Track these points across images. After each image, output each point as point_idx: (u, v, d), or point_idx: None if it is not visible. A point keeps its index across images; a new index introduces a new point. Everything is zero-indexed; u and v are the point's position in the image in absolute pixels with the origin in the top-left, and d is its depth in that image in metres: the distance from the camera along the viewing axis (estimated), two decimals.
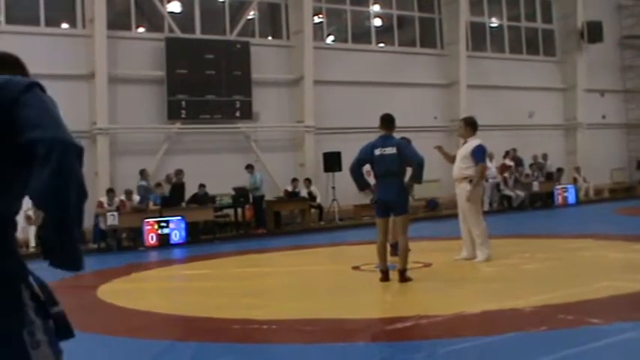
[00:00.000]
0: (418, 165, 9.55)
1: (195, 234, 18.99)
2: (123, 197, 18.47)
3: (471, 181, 10.93)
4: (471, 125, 11.32)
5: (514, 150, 26.22)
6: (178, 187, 19.13)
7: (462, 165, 11.08)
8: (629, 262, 10.31)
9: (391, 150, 9.59)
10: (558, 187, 25.84)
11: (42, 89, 2.20)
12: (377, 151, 9.71)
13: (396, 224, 9.66)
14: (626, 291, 7.80)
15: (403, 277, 9.35)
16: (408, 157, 9.58)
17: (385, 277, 9.53)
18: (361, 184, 10.08)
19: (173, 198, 18.85)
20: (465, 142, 11.24)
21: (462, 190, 11.11)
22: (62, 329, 2.18)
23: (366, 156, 9.89)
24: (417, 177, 9.63)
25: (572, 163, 29.24)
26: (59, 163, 2.00)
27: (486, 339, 6.06)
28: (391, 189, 9.50)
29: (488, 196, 24.51)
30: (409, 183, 9.78)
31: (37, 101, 2.09)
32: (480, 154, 10.98)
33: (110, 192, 18.39)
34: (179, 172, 19.50)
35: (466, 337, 6.11)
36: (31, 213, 17.58)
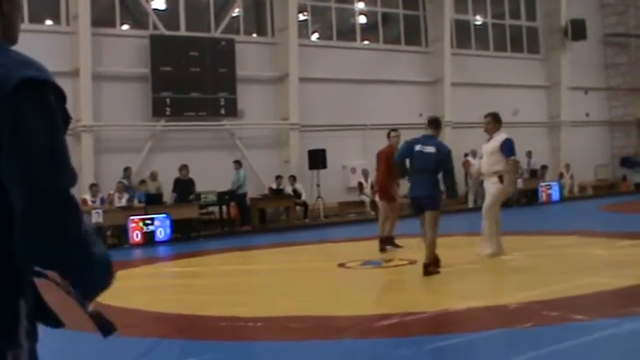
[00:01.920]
0: (446, 172, 10.13)
1: (186, 231, 18.93)
2: (112, 192, 18.39)
3: (500, 177, 10.81)
4: (497, 120, 11.34)
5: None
6: (187, 184, 19.13)
7: (491, 160, 11.02)
8: (613, 259, 10.37)
9: (431, 149, 9.95)
10: (542, 184, 25.98)
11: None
12: (417, 147, 10.08)
13: (426, 221, 9.83)
14: (609, 287, 7.86)
15: (427, 271, 9.40)
16: (443, 161, 9.98)
17: (426, 271, 9.48)
18: (402, 173, 10.85)
19: (182, 194, 18.86)
20: (491, 138, 11.16)
21: (491, 185, 11.01)
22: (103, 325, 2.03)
23: (406, 151, 10.36)
24: (450, 186, 10.29)
25: (556, 161, 29.40)
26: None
27: (471, 335, 6.09)
28: (423, 185, 9.82)
29: (472, 193, 24.60)
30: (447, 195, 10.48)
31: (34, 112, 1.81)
32: (509, 148, 10.86)
33: (94, 186, 18.30)
34: (183, 167, 19.45)
35: (451, 334, 6.14)
36: None
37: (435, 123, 10.62)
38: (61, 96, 1.90)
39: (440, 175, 10.03)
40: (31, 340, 1.87)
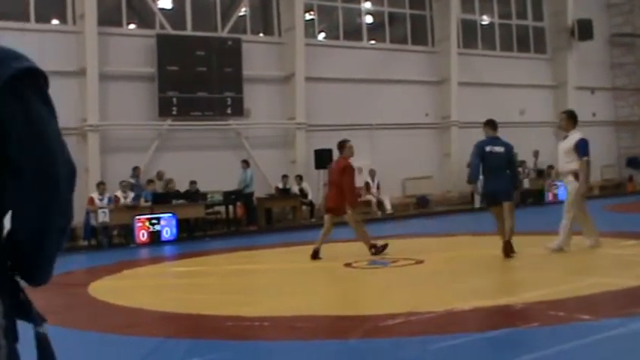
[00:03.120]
0: (513, 166, 11.77)
1: (189, 230, 18.96)
2: (118, 193, 18.43)
3: (576, 175, 10.78)
4: (573, 118, 11.22)
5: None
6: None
7: (567, 159, 10.96)
8: (619, 259, 10.34)
9: (500, 149, 11.20)
10: (549, 184, 25.92)
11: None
12: (488, 149, 11.19)
13: (505, 211, 11.03)
14: (616, 287, 7.83)
15: (508, 248, 10.68)
16: (511, 157, 11.55)
17: (506, 253, 10.71)
18: (474, 177, 11.82)
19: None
20: (566, 136, 11.10)
21: (569, 183, 11.03)
22: (44, 353, 1.87)
23: (479, 153, 11.28)
24: (515, 178, 11.82)
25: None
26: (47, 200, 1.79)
27: (477, 335, 6.08)
28: (500, 181, 11.09)
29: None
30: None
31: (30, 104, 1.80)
32: (583, 148, 10.77)
33: (101, 185, 18.33)
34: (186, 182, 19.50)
35: (457, 334, 6.13)
36: None
37: (493, 124, 11.67)
38: (47, 82, 1.91)
39: None
40: (9, 339, 1.80)
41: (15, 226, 1.80)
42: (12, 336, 1.82)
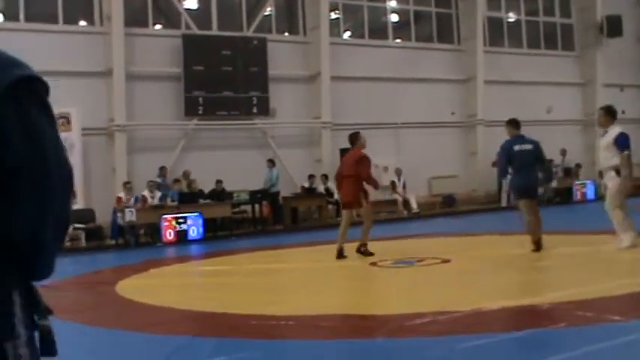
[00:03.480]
0: (543, 163, 12.51)
1: (216, 229, 19.03)
2: (145, 192, 18.54)
3: (617, 171, 10.67)
4: (610, 114, 11.12)
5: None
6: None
7: (607, 154, 10.84)
8: None
9: (528, 146, 11.66)
10: (577, 182, 25.71)
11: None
12: (516, 147, 11.58)
13: (533, 206, 11.51)
14: None
15: (539, 246, 11.09)
16: (540, 154, 11.83)
17: (538, 248, 11.11)
18: (503, 176, 12.81)
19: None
20: (606, 132, 10.99)
21: (610, 179, 10.85)
22: (45, 345, 1.98)
23: (508, 152, 11.66)
24: (548, 177, 12.40)
25: (590, 159, 29.04)
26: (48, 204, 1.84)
27: (504, 335, 6.04)
28: (530, 177, 11.55)
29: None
30: (542, 182, 12.52)
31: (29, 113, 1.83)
32: (623, 142, 10.69)
33: (127, 184, 18.47)
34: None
35: (484, 334, 6.09)
36: None
37: (516, 123, 12.17)
38: (47, 90, 1.94)
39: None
40: (28, 329, 1.91)
41: (13, 227, 1.85)
42: (30, 326, 1.91)
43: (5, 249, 1.89)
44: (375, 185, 12.45)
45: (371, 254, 11.84)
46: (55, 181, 1.86)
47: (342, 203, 12.70)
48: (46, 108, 1.89)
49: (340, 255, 11.93)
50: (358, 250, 12.00)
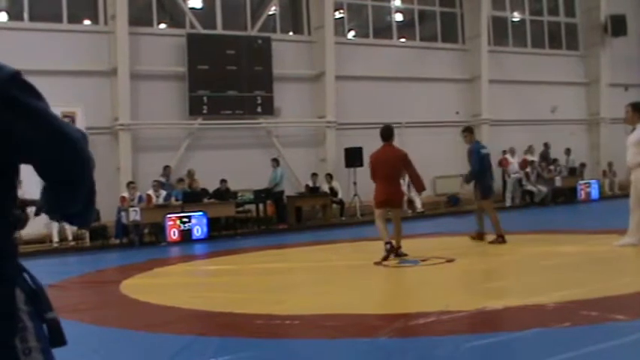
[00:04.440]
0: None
1: (220, 229, 19.04)
2: (150, 192, 18.55)
3: None
4: (638, 111, 11.01)
5: (546, 145, 26.28)
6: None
7: (635, 151, 10.69)
8: None
9: (488, 150, 13.36)
10: (581, 182, 25.66)
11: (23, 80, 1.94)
12: (484, 151, 13.07)
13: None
14: None
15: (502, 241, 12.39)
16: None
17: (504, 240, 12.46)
18: (478, 175, 13.16)
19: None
20: (634, 129, 10.90)
21: (638, 176, 10.71)
22: (55, 336, 2.03)
23: (482, 156, 12.92)
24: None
25: (595, 158, 29.03)
26: (88, 179, 1.99)
27: (509, 335, 6.03)
28: (492, 177, 13.40)
29: (510, 191, 24.39)
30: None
31: (29, 106, 1.87)
32: None
33: (131, 184, 18.49)
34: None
35: (488, 333, 6.09)
36: None
37: (472, 129, 13.97)
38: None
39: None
40: (35, 322, 1.97)
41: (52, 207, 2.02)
42: (37, 319, 1.97)
43: (6, 244, 1.94)
44: (423, 187, 12.75)
45: (406, 255, 11.49)
46: (87, 158, 1.96)
47: (382, 201, 11.73)
48: (40, 96, 1.94)
49: (400, 253, 11.42)
50: (397, 254, 11.39)
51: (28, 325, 1.92)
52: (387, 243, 11.27)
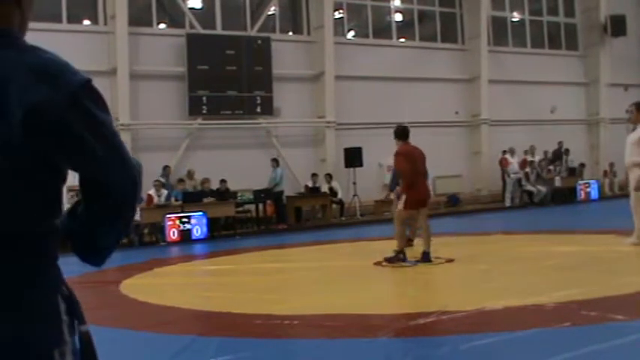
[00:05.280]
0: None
1: (220, 229, 19.03)
2: (151, 191, 18.54)
3: None
4: None
5: (560, 143, 26.64)
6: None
7: (633, 151, 10.73)
8: None
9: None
10: (581, 182, 25.67)
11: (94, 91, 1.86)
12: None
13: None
14: None
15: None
16: None
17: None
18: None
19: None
20: (634, 128, 10.94)
21: (636, 176, 10.73)
22: (87, 351, 1.94)
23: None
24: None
25: (594, 159, 29.05)
26: (131, 212, 1.93)
27: (509, 335, 6.03)
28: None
29: (510, 191, 24.39)
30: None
31: (98, 118, 1.81)
32: None
33: None
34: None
35: (488, 333, 6.09)
36: None
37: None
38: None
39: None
40: (72, 335, 1.88)
41: (97, 235, 1.92)
42: (72, 332, 1.90)
43: (54, 248, 1.90)
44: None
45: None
46: (137, 195, 1.91)
47: (423, 200, 11.05)
48: (107, 109, 1.89)
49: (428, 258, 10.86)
50: (427, 259, 10.85)
51: (67, 339, 1.85)
52: (401, 252, 10.83)
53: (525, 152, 25.18)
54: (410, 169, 10.93)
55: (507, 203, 24.16)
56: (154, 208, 18.21)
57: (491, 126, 26.28)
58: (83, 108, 1.78)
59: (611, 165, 27.41)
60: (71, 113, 1.75)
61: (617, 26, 28.86)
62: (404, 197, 10.92)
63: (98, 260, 2.00)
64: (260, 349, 6.13)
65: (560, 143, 26.82)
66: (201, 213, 18.10)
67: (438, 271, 10.13)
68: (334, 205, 22.08)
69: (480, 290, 8.55)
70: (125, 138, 19.88)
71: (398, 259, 10.81)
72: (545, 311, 6.76)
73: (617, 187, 27.34)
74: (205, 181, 19.65)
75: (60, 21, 19.95)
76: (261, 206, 20.42)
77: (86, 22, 21.08)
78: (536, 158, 25.52)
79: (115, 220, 1.90)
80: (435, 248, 11.06)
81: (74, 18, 20.42)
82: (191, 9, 22.00)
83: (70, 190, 15.92)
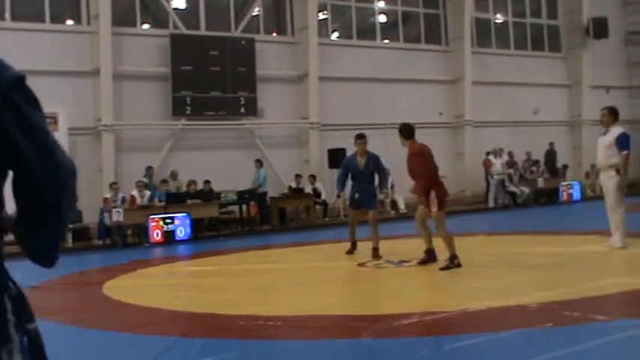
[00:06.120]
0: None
1: (203, 230, 18.98)
2: (134, 192, 18.47)
3: (617, 170, 10.81)
4: (614, 114, 11.26)
5: (551, 144, 27.08)
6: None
7: (607, 154, 10.95)
8: (633, 259, 10.29)
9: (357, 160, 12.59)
10: (564, 183, 25.82)
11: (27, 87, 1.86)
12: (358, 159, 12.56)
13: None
14: (631, 288, 7.79)
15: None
16: None
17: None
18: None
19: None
20: (607, 131, 11.10)
21: (609, 178, 10.98)
22: (35, 350, 1.91)
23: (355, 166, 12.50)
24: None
25: (577, 160, 29.21)
26: (62, 214, 1.90)
27: (492, 335, 6.06)
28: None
29: (493, 192, 24.48)
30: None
31: (28, 115, 1.80)
32: (624, 142, 10.85)
33: (114, 185, 18.39)
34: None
35: (471, 334, 6.11)
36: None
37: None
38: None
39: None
40: (20, 334, 1.87)
41: (29, 225, 1.88)
42: (21, 330, 1.88)
43: None
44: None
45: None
46: (68, 185, 1.88)
47: (443, 202, 10.45)
48: (39, 105, 1.87)
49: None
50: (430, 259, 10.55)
51: (15, 338, 1.84)
52: (454, 257, 10.06)
53: (509, 154, 25.25)
54: (430, 168, 10.40)
55: (491, 204, 24.25)
56: (137, 209, 18.14)
57: (474, 127, 26.37)
58: (14, 105, 1.76)
59: (593, 166, 27.57)
60: (1, 109, 1.74)
61: (599, 28, 29.04)
62: (434, 198, 10.12)
63: (44, 261, 1.99)
64: (243, 350, 6.13)
65: (551, 144, 27.03)
66: (184, 214, 18.06)
67: (422, 271, 10.15)
68: (318, 206, 22.08)
69: (463, 291, 8.59)
70: (108, 138, 19.85)
71: (454, 265, 9.96)
72: (528, 312, 6.80)
73: (599, 188, 27.46)
74: (192, 182, 19.58)
75: (43, 21, 19.83)
76: (244, 207, 20.38)
77: (69, 22, 20.96)
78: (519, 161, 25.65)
79: (46, 219, 1.88)
80: (419, 249, 11.06)
81: (57, 18, 20.29)
82: (175, 9, 21.94)
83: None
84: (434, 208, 10.11)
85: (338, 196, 13.63)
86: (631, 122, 31.37)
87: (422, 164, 10.36)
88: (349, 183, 12.49)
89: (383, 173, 12.81)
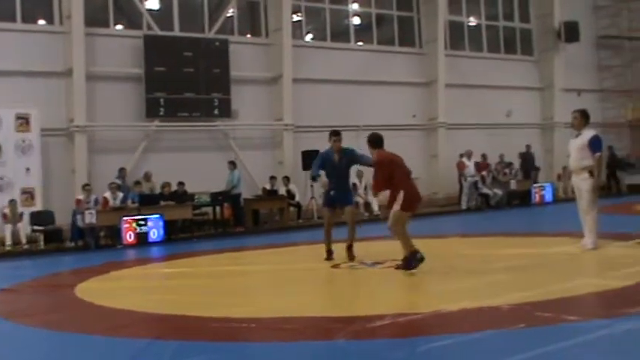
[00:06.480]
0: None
1: (174, 232, 18.89)
2: (107, 194, 18.34)
3: (590, 172, 10.94)
4: (585, 117, 11.37)
5: (528, 146, 27.44)
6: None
7: (580, 156, 11.07)
8: (605, 260, 10.39)
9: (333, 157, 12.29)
10: (535, 185, 26.03)
11: None
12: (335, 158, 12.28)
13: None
14: (602, 288, 7.87)
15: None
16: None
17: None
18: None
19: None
20: (579, 134, 11.21)
21: (582, 180, 11.11)
22: None
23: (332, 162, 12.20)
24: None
25: (549, 162, 29.46)
26: None
27: (464, 337, 6.08)
28: None
29: (466, 194, 24.60)
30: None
31: None
32: (597, 144, 10.97)
33: (86, 186, 18.25)
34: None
35: (444, 335, 6.13)
36: (7, 211, 17.47)
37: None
38: None
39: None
40: None
41: None
42: None
43: None
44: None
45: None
46: None
47: (418, 202, 10.48)
48: None
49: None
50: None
51: None
52: (416, 252, 9.97)
53: (483, 156, 25.39)
54: (386, 174, 10.29)
55: (464, 206, 24.38)
56: (110, 211, 18.04)
57: (447, 129, 26.51)
58: None
59: (565, 168, 27.82)
60: None
61: (571, 32, 29.34)
62: (400, 197, 10.02)
63: None
64: (217, 353, 6.11)
65: (528, 146, 27.27)
66: (158, 215, 17.97)
67: (394, 273, 10.17)
68: (292, 208, 22.07)
69: (436, 292, 8.62)
70: (81, 140, 19.72)
71: (418, 260, 9.89)
72: (501, 313, 6.84)
73: (571, 190, 27.71)
74: (166, 185, 19.49)
75: (14, 20, 19.64)
76: (218, 209, 20.32)
77: (41, 21, 20.77)
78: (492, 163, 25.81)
79: None
80: (392, 251, 11.08)
81: (29, 17, 20.11)
82: (148, 10, 21.84)
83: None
84: (396, 207, 9.98)
85: (314, 179, 12.64)
86: (602, 125, 31.74)
87: (377, 172, 10.56)
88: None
89: (363, 159, 12.31)
